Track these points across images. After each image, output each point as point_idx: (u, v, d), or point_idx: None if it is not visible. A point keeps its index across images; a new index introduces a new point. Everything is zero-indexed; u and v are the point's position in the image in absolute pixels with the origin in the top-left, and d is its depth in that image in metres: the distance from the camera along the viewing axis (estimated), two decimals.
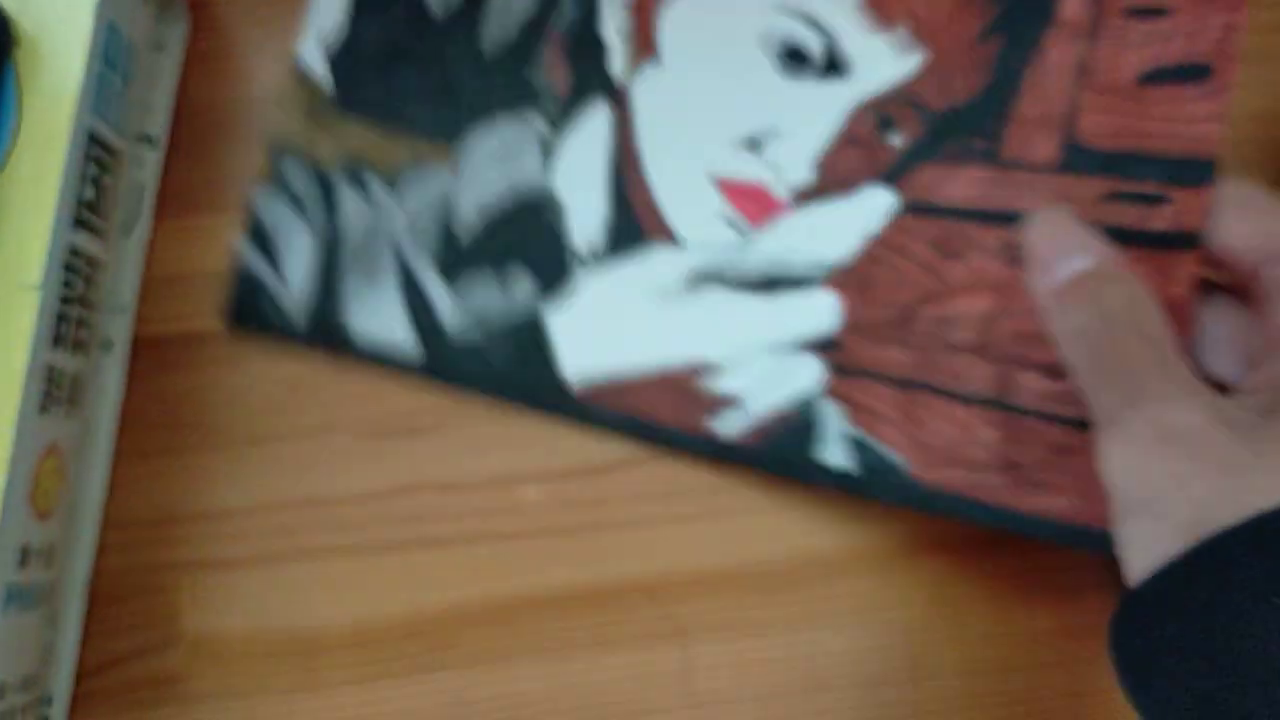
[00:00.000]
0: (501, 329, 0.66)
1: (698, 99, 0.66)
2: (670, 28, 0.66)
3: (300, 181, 0.67)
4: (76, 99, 0.54)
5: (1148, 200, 0.61)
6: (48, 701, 0.57)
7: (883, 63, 0.64)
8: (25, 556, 0.53)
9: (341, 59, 0.68)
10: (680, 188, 0.66)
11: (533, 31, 0.67)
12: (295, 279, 0.67)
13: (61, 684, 0.59)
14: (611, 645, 0.63)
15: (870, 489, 0.62)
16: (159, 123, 0.66)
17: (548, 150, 0.67)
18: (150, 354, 0.65)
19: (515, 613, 0.63)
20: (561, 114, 0.67)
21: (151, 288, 0.66)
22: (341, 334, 0.66)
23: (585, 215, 0.67)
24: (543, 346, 0.66)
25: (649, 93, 0.66)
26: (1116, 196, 0.62)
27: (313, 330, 0.66)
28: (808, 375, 0.65)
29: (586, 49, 0.67)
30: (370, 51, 0.68)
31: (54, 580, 0.57)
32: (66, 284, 0.55)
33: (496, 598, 0.63)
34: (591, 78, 0.67)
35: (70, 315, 0.55)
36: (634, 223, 0.66)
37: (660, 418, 0.65)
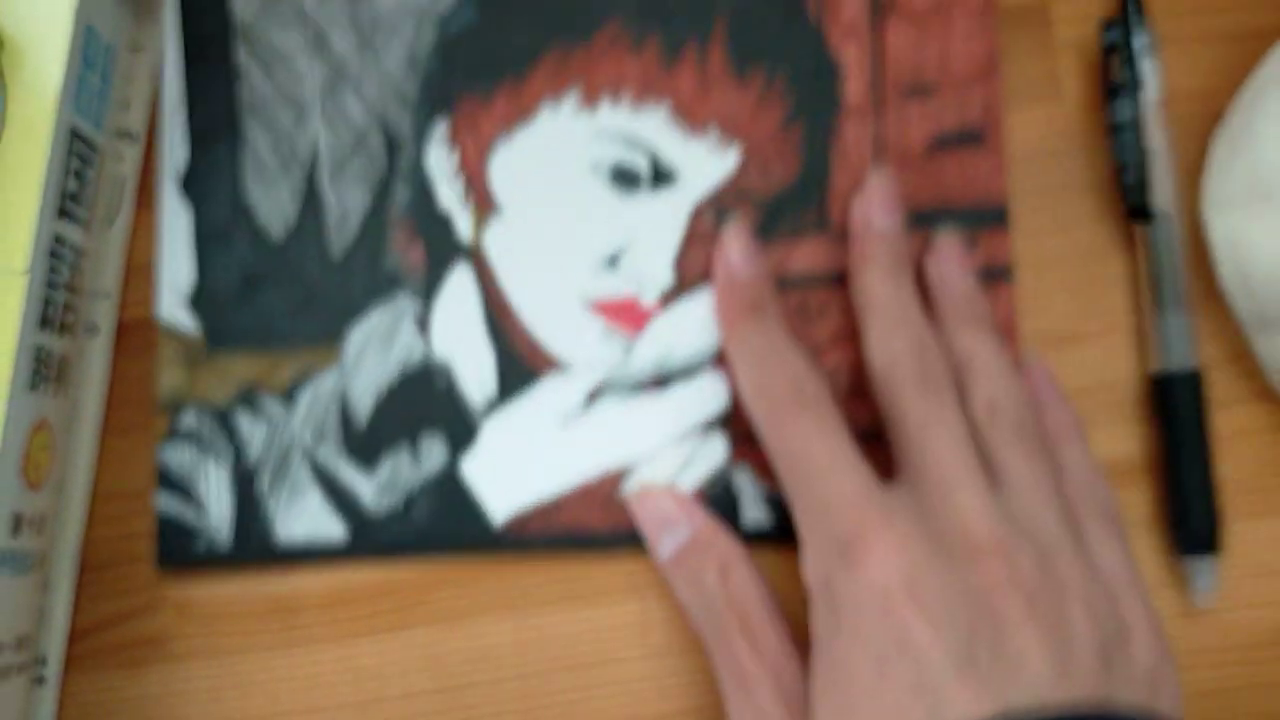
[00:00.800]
0: (423, 491, 0.69)
1: (549, 237, 0.71)
2: (501, 180, 0.71)
3: (200, 425, 0.69)
4: (58, 97, 0.58)
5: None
6: (42, 661, 0.62)
7: (705, 164, 0.71)
8: (18, 524, 0.57)
9: (201, 303, 0.70)
10: (557, 320, 0.70)
11: (374, 223, 0.71)
12: (215, 512, 0.68)
13: (55, 645, 0.63)
14: (576, 600, 0.69)
15: (793, 536, 0.67)
16: (138, 119, 0.70)
17: (424, 323, 0.70)
18: (133, 336, 0.70)
19: (483, 571, 0.69)
20: (427, 286, 0.70)
21: (134, 274, 0.71)
22: (269, 547, 0.68)
23: (474, 370, 0.70)
24: (465, 496, 0.69)
25: (501, 245, 0.71)
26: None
27: (241, 550, 0.68)
28: (715, 451, 0.70)
29: (431, 224, 0.71)
30: (226, 288, 0.70)
31: (46, 548, 0.62)
32: (52, 270, 0.59)
33: (464, 559, 0.70)
34: (444, 247, 0.71)
35: (56, 300, 0.60)
36: (521, 364, 0.70)
37: (591, 527, 0.68)
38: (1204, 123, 0.73)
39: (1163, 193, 0.70)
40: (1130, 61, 0.71)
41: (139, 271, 0.70)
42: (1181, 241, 0.70)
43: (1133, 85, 0.71)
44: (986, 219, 0.71)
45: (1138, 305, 0.71)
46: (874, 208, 0.68)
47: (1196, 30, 0.74)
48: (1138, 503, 0.70)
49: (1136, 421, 0.70)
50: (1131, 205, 0.71)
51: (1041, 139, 0.74)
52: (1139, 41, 0.71)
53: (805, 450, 0.60)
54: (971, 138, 0.72)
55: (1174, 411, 0.68)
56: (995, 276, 0.70)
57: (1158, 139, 0.71)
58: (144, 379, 0.69)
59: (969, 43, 0.72)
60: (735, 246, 0.69)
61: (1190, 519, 0.67)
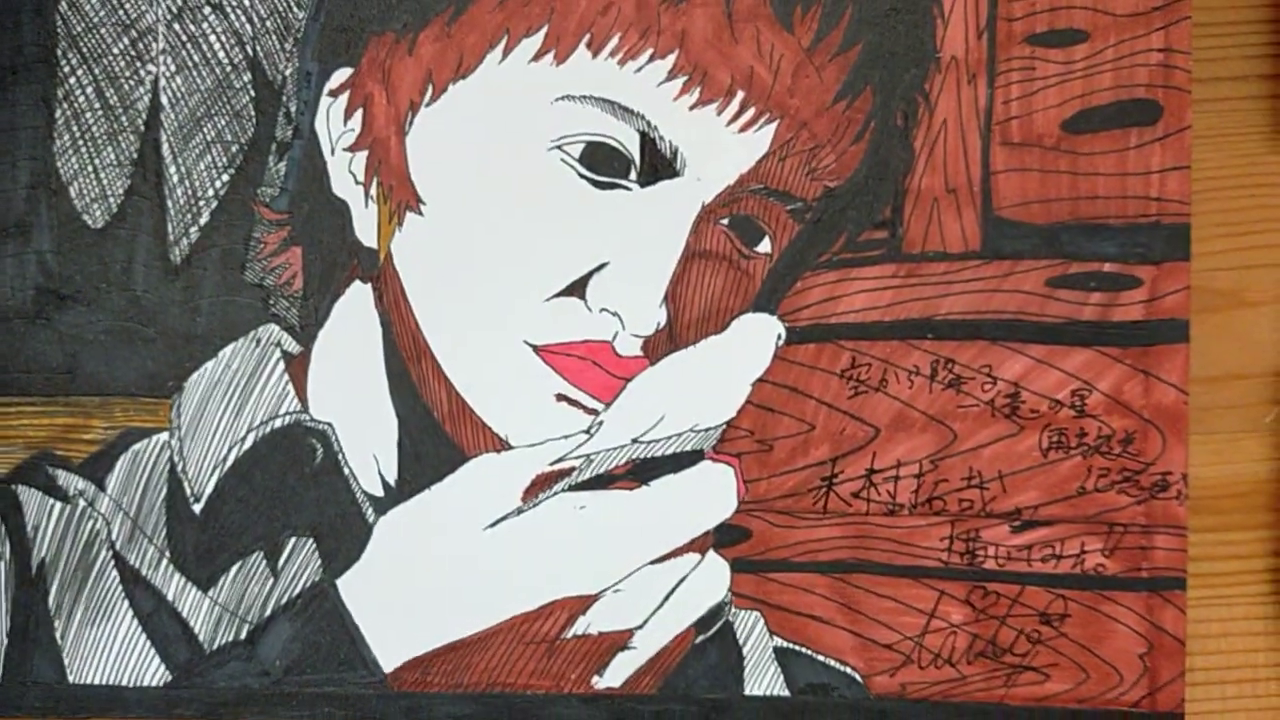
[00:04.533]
0: (281, 618, 0.52)
1: (487, 247, 0.52)
2: (422, 160, 0.52)
3: None
4: None
5: (1107, 284, 0.51)
6: None
7: (722, 148, 0.51)
8: None
9: None
10: (492, 371, 0.52)
11: (233, 212, 0.53)
12: None
13: None
14: None
15: (815, 717, 0.51)
16: None
17: (298, 368, 0.52)
18: None
19: None
20: (306, 313, 0.52)
21: None
22: (55, 693, 0.52)
23: (366, 439, 0.52)
24: (341, 628, 0.52)
25: (417, 255, 0.52)
26: (1065, 282, 0.51)
27: (13, 697, 0.52)
28: (710, 580, 0.52)
29: (317, 217, 0.53)
30: (14, 303, 0.53)
31: None
32: None
33: None
34: (334, 254, 0.52)
35: None
36: (438, 434, 0.52)
37: (517, 684, 0.51)
38: None
39: None
40: None
41: None
42: None
43: None
44: (1157, 241, 0.51)
45: None
46: None
47: None
48: None
49: None
50: None
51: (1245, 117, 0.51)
52: None
53: None
54: (1137, 112, 0.51)
55: None
56: (1157, 336, 0.51)
57: None
58: None
59: None
60: None
61: None
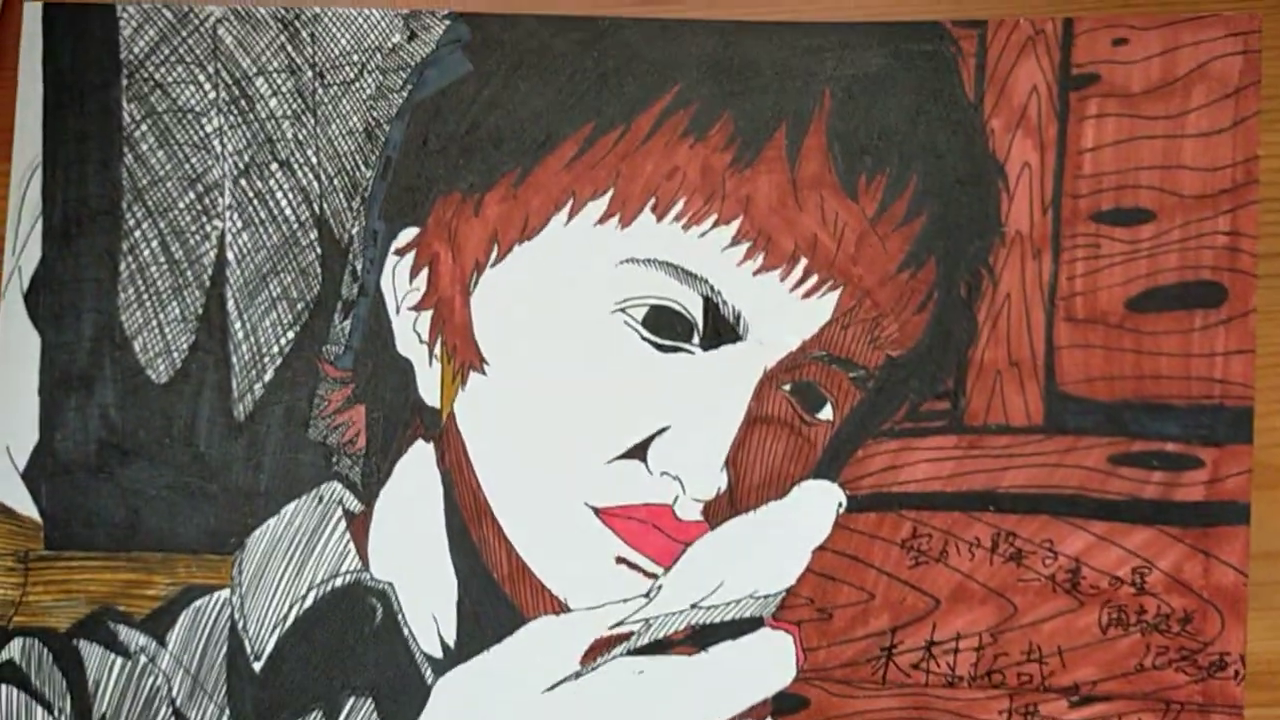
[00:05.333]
0: None
1: (549, 405, 0.52)
2: (486, 321, 0.52)
3: (28, 658, 0.52)
4: None
5: (1170, 464, 0.51)
6: None
7: (786, 314, 0.51)
8: None
9: (42, 476, 0.53)
10: (552, 532, 0.52)
11: (298, 369, 0.53)
12: None
13: None
14: None
15: None
16: None
17: (360, 527, 0.52)
18: None
19: None
20: (368, 471, 0.52)
21: None
22: None
23: (427, 602, 0.52)
24: None
25: (480, 415, 0.53)
26: (1127, 460, 0.51)
27: None
28: None
29: (381, 376, 0.53)
30: (79, 456, 0.53)
31: None
32: None
33: None
34: (398, 413, 0.53)
35: None
36: (497, 595, 0.52)
37: None
38: None
39: None
40: None
41: None
42: None
43: None
44: (1219, 424, 0.51)
45: None
46: None
47: None
48: None
49: None
50: None
51: None
52: None
53: None
54: (1202, 294, 0.51)
55: None
56: (1218, 517, 0.51)
57: None
58: None
59: (1212, 141, 0.51)
60: None
61: None
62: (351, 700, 0.52)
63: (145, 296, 0.53)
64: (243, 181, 0.53)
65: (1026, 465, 0.51)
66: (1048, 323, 0.51)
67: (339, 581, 0.52)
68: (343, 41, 0.53)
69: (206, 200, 0.53)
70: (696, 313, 0.52)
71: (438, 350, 0.53)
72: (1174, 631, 0.51)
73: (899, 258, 0.52)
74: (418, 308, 0.53)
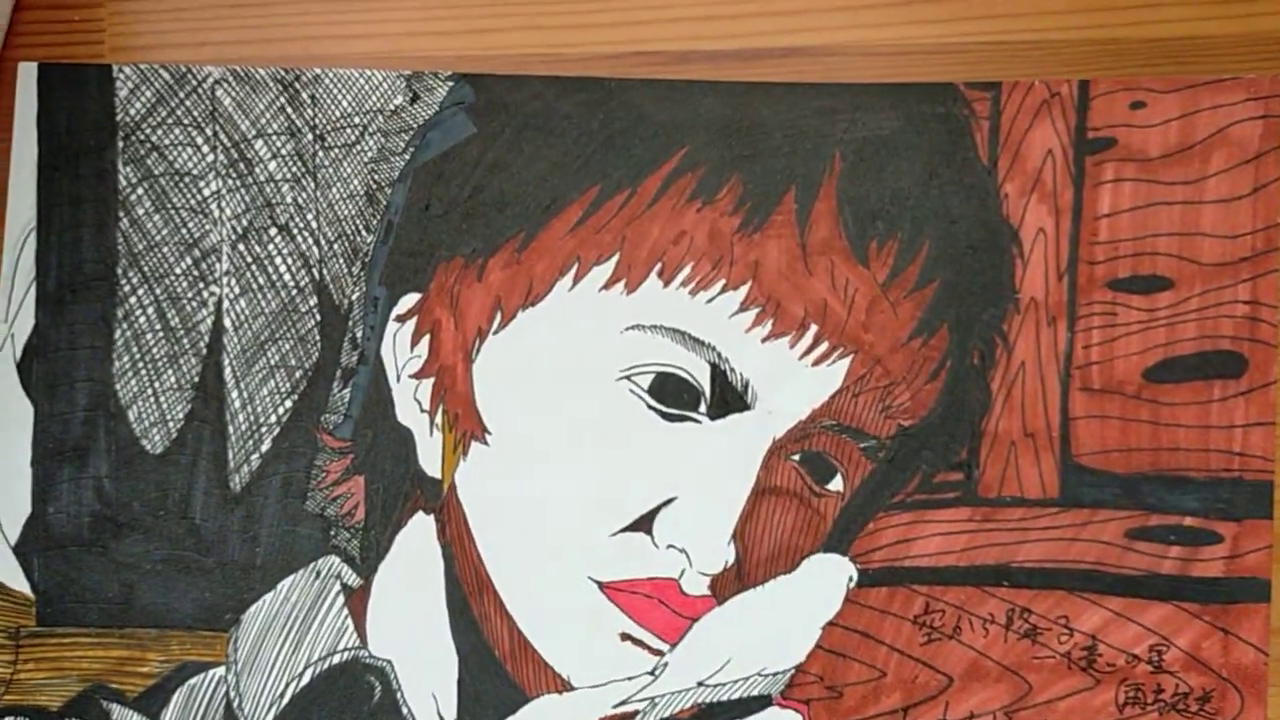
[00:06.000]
0: None
1: (552, 475, 0.51)
2: (489, 390, 0.52)
3: None
4: None
5: (1188, 538, 0.50)
6: None
7: (795, 383, 0.50)
8: None
9: (34, 550, 0.52)
10: (555, 607, 0.51)
11: (295, 440, 0.52)
12: None
13: None
14: None
15: None
16: None
17: (358, 603, 0.52)
18: None
19: None
20: (367, 545, 0.51)
21: None
22: None
23: (426, 677, 0.51)
24: None
25: (482, 486, 0.52)
26: (1145, 534, 0.50)
27: None
28: None
29: (380, 446, 0.52)
30: (72, 530, 0.52)
31: None
32: None
33: None
34: (398, 485, 0.52)
35: None
36: (499, 673, 0.51)
37: None
38: None
39: None
40: None
41: None
42: None
43: None
44: (1239, 499, 0.50)
45: None
46: None
47: None
48: None
49: None
50: None
51: None
52: None
53: None
54: (1221, 365, 0.50)
55: None
56: (1236, 594, 0.50)
57: None
58: None
59: (1231, 207, 0.50)
60: None
61: None
62: None
63: (140, 364, 0.52)
64: (241, 246, 0.52)
65: (1042, 539, 0.50)
66: (1063, 392, 0.50)
67: (336, 659, 0.51)
68: (344, 103, 0.52)
69: (203, 265, 0.52)
70: (704, 380, 0.51)
71: (439, 419, 0.52)
72: (1192, 711, 0.50)
73: (911, 325, 0.51)
74: (419, 376, 0.52)
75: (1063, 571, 0.50)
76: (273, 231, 0.52)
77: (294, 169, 0.52)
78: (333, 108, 0.53)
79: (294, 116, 0.53)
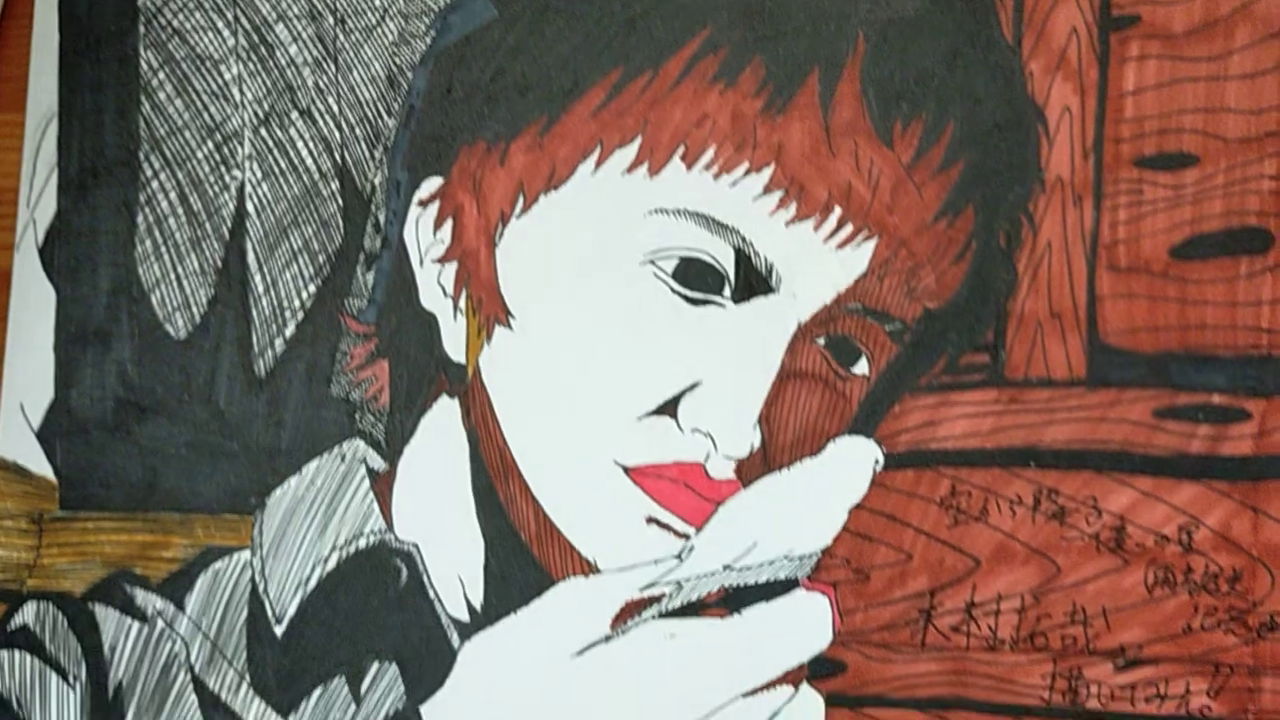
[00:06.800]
0: None
1: (576, 359, 0.52)
2: (512, 274, 0.52)
3: (41, 623, 0.52)
4: None
5: (1216, 416, 0.50)
6: None
7: (820, 265, 0.51)
8: None
9: (58, 434, 0.53)
10: (581, 491, 0.52)
11: (320, 325, 0.53)
12: None
13: None
14: None
15: None
16: None
17: (384, 486, 0.52)
18: None
19: None
20: (392, 428, 0.52)
21: None
22: None
23: (452, 561, 0.52)
24: None
25: (507, 371, 0.52)
26: (1173, 413, 0.50)
27: None
28: (804, 714, 0.51)
29: (404, 331, 0.53)
30: (96, 414, 0.53)
31: None
32: None
33: None
34: (422, 369, 0.52)
35: None
36: (525, 556, 0.52)
37: None
38: None
39: None
40: None
41: None
42: None
43: None
44: (1268, 374, 0.50)
45: None
46: None
47: None
48: None
49: None
50: None
51: None
52: None
53: None
54: (1248, 240, 0.50)
55: None
56: (1266, 472, 0.49)
57: None
58: None
59: (1256, 83, 0.50)
60: None
61: None
62: (376, 665, 0.51)
63: (163, 249, 0.52)
64: (262, 131, 0.52)
65: (1069, 420, 0.50)
66: (1090, 272, 0.50)
67: (363, 542, 0.52)
68: None
69: (225, 150, 0.53)
70: (728, 264, 0.51)
71: (462, 304, 0.52)
72: (1223, 591, 0.50)
73: (936, 206, 0.51)
74: (442, 260, 0.52)
75: (1090, 452, 0.50)
76: (294, 115, 0.52)
77: (315, 52, 0.53)
78: None
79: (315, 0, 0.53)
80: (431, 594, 0.51)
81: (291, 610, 0.51)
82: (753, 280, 0.51)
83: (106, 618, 0.52)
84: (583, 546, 0.51)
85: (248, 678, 0.51)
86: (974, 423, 0.51)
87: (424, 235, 0.52)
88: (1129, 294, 0.50)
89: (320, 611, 0.51)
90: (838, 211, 0.51)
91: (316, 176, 0.53)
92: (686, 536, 0.51)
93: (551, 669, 0.51)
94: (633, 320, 0.51)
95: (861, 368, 0.51)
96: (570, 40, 0.52)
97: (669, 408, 0.51)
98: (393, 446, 0.52)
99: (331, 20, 0.53)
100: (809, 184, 0.52)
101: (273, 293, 0.52)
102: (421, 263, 0.52)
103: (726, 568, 0.51)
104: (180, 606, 0.51)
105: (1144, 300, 0.50)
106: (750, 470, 0.51)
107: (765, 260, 0.51)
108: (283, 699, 0.51)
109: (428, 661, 0.51)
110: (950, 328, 0.51)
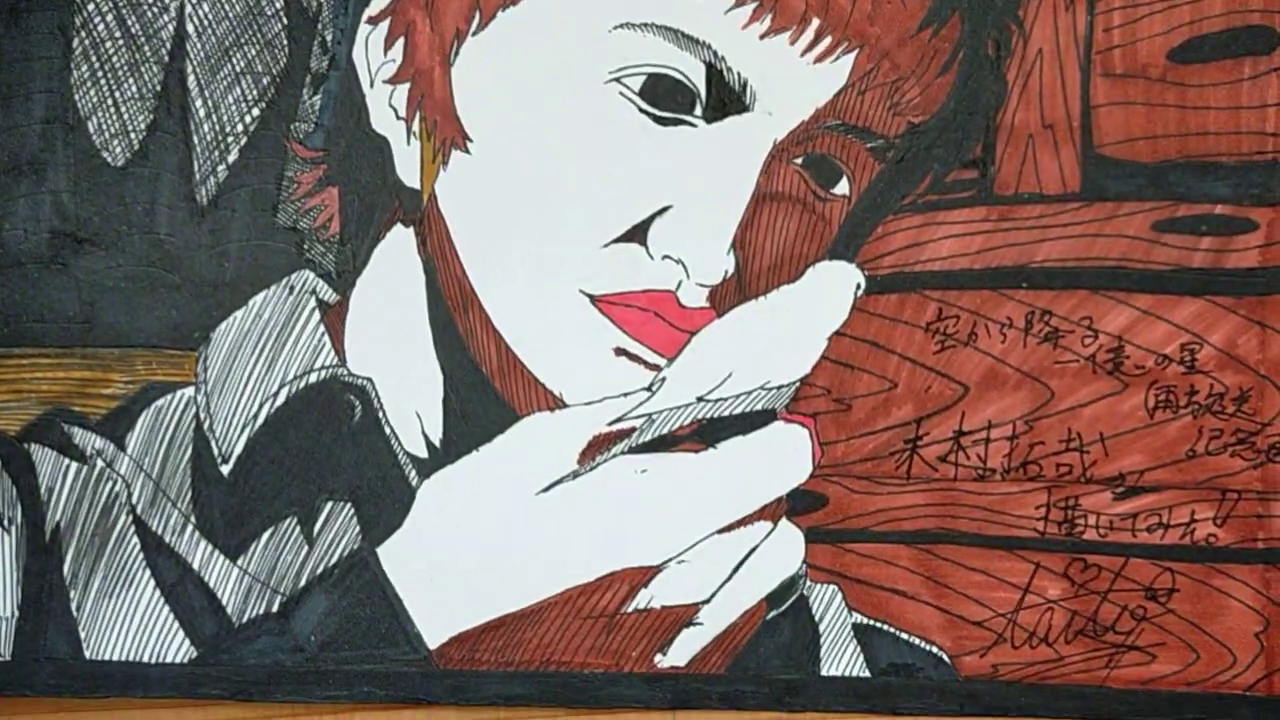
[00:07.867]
0: (316, 589, 0.50)
1: (539, 184, 0.50)
2: (469, 94, 0.50)
3: None
4: None
5: (1219, 227, 0.48)
6: None
7: (796, 81, 0.49)
8: None
9: None
10: (545, 322, 0.50)
11: (265, 150, 0.50)
12: None
13: None
14: None
15: (898, 699, 0.48)
16: None
17: (334, 318, 0.50)
18: None
19: None
20: (343, 259, 0.50)
21: None
22: (69, 669, 0.50)
23: (409, 396, 0.50)
24: (381, 600, 0.49)
25: (464, 197, 0.50)
26: (1173, 225, 0.48)
27: (24, 674, 0.49)
28: (783, 551, 0.49)
29: (355, 155, 0.50)
30: (29, 246, 0.50)
31: None
32: None
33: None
34: (374, 195, 0.50)
35: None
36: (486, 390, 0.50)
37: (573, 662, 0.49)
38: None
39: None
40: None
41: None
42: None
43: None
44: (1274, 182, 0.48)
45: None
46: None
47: None
48: None
49: None
50: None
51: None
52: None
53: None
54: (1251, 40, 0.48)
55: None
56: (1274, 284, 0.48)
57: None
58: None
59: None
60: None
61: None
62: (329, 505, 0.50)
63: (100, 73, 0.50)
64: None
65: (1063, 236, 0.48)
66: (1083, 80, 0.48)
67: (313, 377, 0.50)
68: None
69: None
70: (699, 81, 0.49)
71: (416, 126, 0.50)
72: (1229, 412, 0.48)
73: (920, 14, 0.49)
74: (394, 80, 0.50)
75: (1085, 270, 0.48)
76: None
77: None
78: None
79: None
80: (387, 430, 0.50)
81: (239, 449, 0.49)
82: (725, 97, 0.49)
83: (43, 458, 0.50)
84: (547, 380, 0.49)
85: (193, 519, 0.49)
86: (962, 242, 0.49)
87: (374, 54, 0.50)
88: (1125, 101, 0.48)
89: (269, 450, 0.49)
90: (815, 23, 0.49)
91: None
92: (657, 368, 0.49)
93: (515, 507, 0.49)
94: (598, 142, 0.49)
95: (842, 188, 0.49)
96: None
97: (637, 234, 0.49)
98: (344, 278, 0.50)
99: None
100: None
101: (215, 117, 0.50)
102: (372, 84, 0.50)
103: (700, 399, 0.49)
104: (121, 446, 0.50)
105: (1141, 107, 0.48)
106: (724, 298, 0.49)
107: (738, 76, 0.49)
108: (230, 541, 0.49)
109: (385, 500, 0.49)
110: (936, 143, 0.49)
